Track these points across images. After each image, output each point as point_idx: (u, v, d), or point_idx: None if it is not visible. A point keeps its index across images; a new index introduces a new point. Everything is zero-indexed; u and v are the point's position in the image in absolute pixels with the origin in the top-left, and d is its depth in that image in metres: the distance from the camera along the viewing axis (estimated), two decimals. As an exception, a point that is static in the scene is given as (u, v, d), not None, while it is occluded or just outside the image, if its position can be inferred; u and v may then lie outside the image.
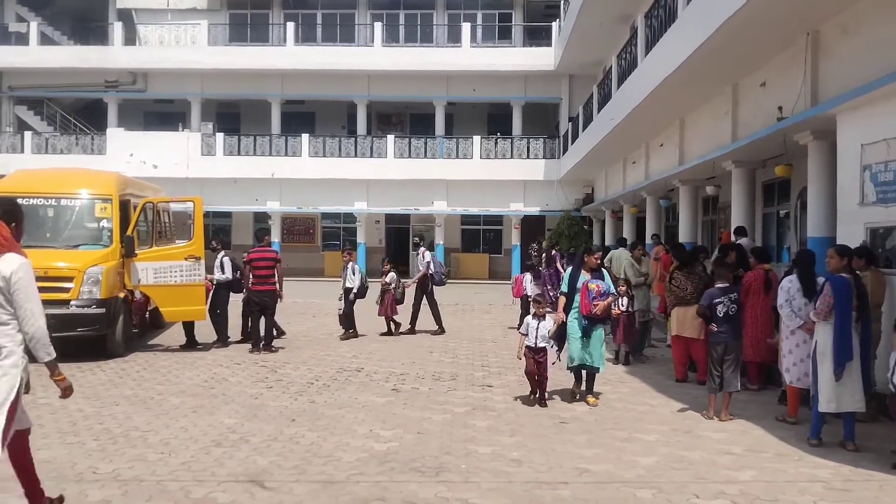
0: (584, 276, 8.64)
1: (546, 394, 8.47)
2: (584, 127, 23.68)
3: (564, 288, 8.75)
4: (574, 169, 27.21)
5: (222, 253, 12.76)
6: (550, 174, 30.88)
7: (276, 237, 29.99)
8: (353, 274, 13.59)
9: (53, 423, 7.36)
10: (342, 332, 13.61)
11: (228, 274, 12.55)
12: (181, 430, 7.12)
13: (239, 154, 31.53)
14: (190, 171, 30.55)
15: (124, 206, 12.37)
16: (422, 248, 14.80)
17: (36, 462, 5.97)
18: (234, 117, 35.30)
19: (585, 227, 30.32)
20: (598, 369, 8.64)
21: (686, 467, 6.15)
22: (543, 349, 8.38)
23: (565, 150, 29.22)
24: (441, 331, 14.35)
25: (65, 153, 31.01)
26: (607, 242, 24.82)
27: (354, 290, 13.53)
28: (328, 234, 35.07)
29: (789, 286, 7.59)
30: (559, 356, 8.92)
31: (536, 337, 8.35)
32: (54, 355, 4.87)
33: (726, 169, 13.79)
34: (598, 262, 8.82)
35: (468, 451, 6.53)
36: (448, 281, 16.36)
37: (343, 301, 13.63)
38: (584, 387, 8.73)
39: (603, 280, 8.63)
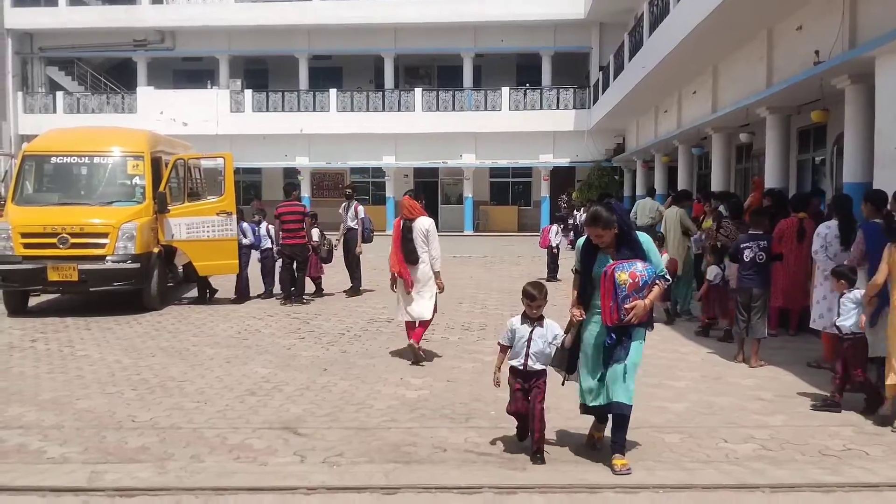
0: (606, 256, 4.95)
1: (542, 445, 5.08)
2: (615, 76, 23.28)
3: (576, 264, 5.21)
4: (604, 119, 26.83)
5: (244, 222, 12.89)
6: (580, 125, 30.51)
7: (305, 192, 30.17)
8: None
9: (92, 374, 7.57)
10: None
11: (251, 238, 12.78)
12: (216, 380, 7.28)
13: (267, 110, 31.59)
14: (219, 129, 30.69)
15: (156, 163, 12.48)
16: (354, 202, 13.54)
17: (76, 411, 6.21)
18: (262, 74, 35.27)
19: (616, 177, 30.00)
20: (628, 408, 4.93)
21: (715, 412, 6.15)
22: (539, 374, 5.15)
23: (595, 99, 28.80)
24: (356, 292, 13.30)
25: (96, 112, 31.32)
26: (638, 193, 24.56)
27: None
28: (358, 188, 35.13)
29: (826, 232, 7.48)
30: (565, 379, 5.36)
31: (527, 355, 5.11)
32: (439, 269, 8.09)
33: (760, 116, 13.52)
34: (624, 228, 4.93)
35: (497, 398, 6.58)
36: (477, 233, 15.53)
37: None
38: (608, 434, 5.16)
39: (642, 259, 4.89)
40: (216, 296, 12.69)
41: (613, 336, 4.91)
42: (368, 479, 4.63)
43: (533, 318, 5.15)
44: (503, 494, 4.40)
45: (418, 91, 31.83)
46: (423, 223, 8.01)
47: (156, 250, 11.85)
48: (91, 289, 11.24)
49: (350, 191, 14.34)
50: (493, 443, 5.40)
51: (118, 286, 11.22)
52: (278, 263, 12.71)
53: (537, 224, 30.76)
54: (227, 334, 9.69)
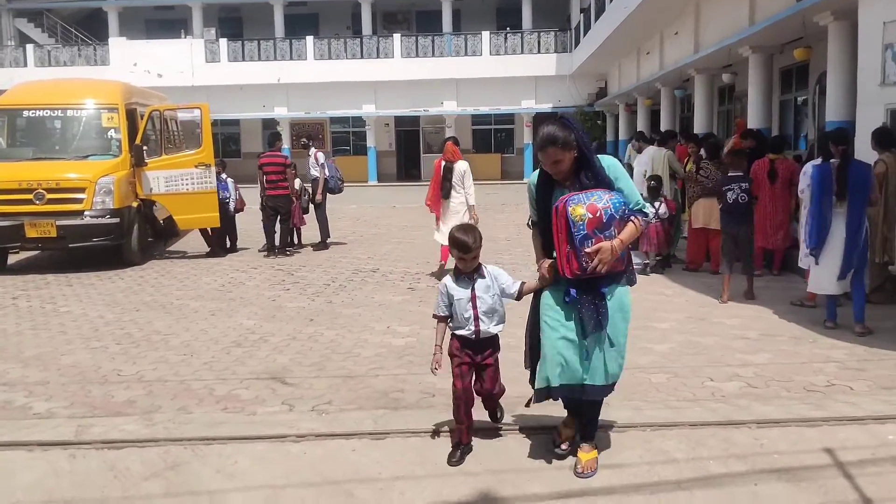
0: (564, 191, 3.80)
1: (495, 419, 4.51)
2: (597, 18, 22.98)
3: (532, 214, 4.10)
4: (587, 62, 26.57)
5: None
6: (562, 69, 30.23)
7: (285, 143, 29.80)
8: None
9: (76, 329, 7.50)
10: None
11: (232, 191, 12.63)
12: (201, 333, 7.23)
13: (243, 60, 31.02)
14: (195, 80, 30.13)
15: (131, 115, 12.24)
16: (313, 150, 12.91)
17: (60, 367, 6.16)
18: (236, 22, 34.56)
19: (599, 122, 29.87)
20: (604, 391, 3.95)
21: (700, 352, 6.20)
22: (494, 342, 4.21)
23: (577, 43, 28.48)
24: (322, 245, 12.79)
25: (68, 65, 30.63)
26: (622, 137, 24.47)
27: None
28: (338, 139, 34.79)
29: (811, 172, 7.47)
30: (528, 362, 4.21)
31: (476, 318, 4.10)
32: (474, 203, 9.37)
33: (743, 55, 13.41)
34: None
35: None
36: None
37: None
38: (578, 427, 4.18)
39: (605, 188, 3.72)
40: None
41: (573, 293, 3.76)
42: (358, 426, 4.63)
43: (469, 272, 4.15)
44: (490, 439, 4.42)
45: (397, 37, 31.33)
46: (461, 166, 9.44)
47: (134, 204, 11.68)
48: (70, 245, 11.10)
49: (305, 140, 13.98)
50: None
51: (97, 241, 11.07)
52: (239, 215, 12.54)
53: (521, 172, 30.69)
54: (210, 287, 9.62)
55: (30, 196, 10.79)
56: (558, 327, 3.83)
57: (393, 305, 8.25)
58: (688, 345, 6.43)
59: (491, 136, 34.44)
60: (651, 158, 11.22)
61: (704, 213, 9.57)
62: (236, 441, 4.47)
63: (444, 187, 9.40)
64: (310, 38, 31.08)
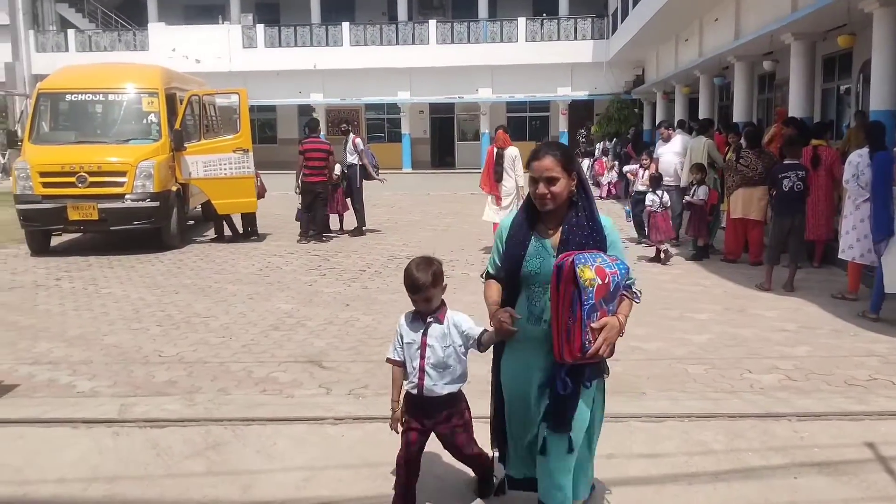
0: (544, 242, 3.04)
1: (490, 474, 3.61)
2: (635, 4, 22.66)
3: (494, 261, 3.26)
4: (624, 49, 26.24)
5: None
6: (599, 56, 29.90)
7: (321, 129, 29.93)
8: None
9: (117, 310, 7.64)
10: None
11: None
12: (240, 316, 7.33)
13: (280, 45, 31.16)
14: (232, 65, 30.37)
15: (171, 100, 12.37)
16: (352, 135, 13.05)
17: (103, 347, 6.29)
18: (273, 8, 34.70)
19: (636, 110, 29.53)
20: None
21: (739, 344, 6.14)
22: (448, 403, 3.38)
23: (614, 29, 28.13)
24: (359, 232, 12.87)
25: (108, 50, 31.02)
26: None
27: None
28: (373, 125, 34.83)
29: (858, 161, 7.31)
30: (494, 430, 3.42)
31: (421, 370, 3.33)
32: (523, 184, 9.03)
33: (785, 43, 13.15)
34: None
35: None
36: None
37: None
38: None
39: (599, 248, 2.98)
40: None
41: (569, 383, 2.89)
42: (394, 411, 4.67)
43: (426, 313, 3.37)
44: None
45: (432, 23, 31.22)
46: (512, 151, 10.32)
47: (174, 189, 11.84)
48: (111, 227, 11.30)
49: (346, 126, 13.98)
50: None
51: (138, 225, 11.26)
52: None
53: (554, 159, 30.47)
54: (248, 271, 9.74)
55: (72, 179, 10.99)
56: (518, 416, 3.15)
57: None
58: (726, 336, 6.37)
59: (526, 123, 34.24)
60: (690, 148, 11.08)
61: (744, 203, 9.44)
62: (275, 422, 4.53)
63: (496, 172, 10.20)
64: (346, 24, 31.13)
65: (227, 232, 12.63)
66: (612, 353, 2.91)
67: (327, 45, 31.04)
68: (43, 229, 11.41)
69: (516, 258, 3.04)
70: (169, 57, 28.34)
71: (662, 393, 4.91)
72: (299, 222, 12.45)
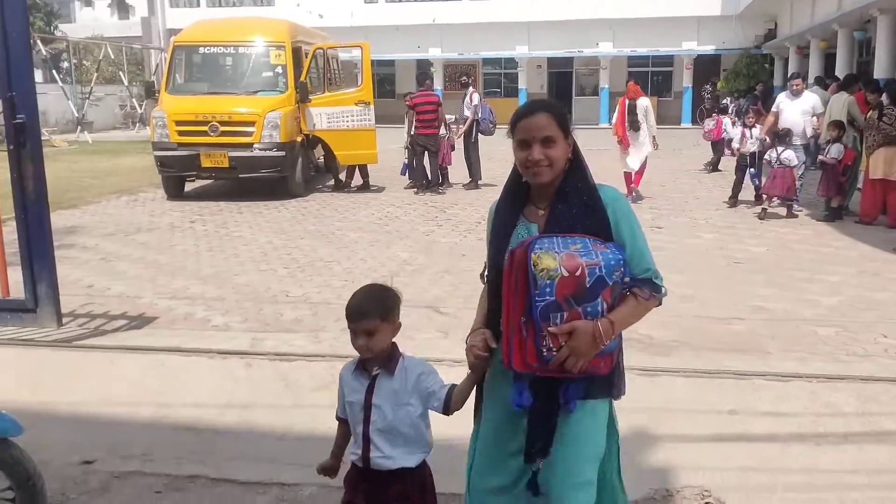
0: (530, 226, 2.36)
1: None
2: (770, -48, 21.40)
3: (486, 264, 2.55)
4: (755, 2, 24.90)
5: None
6: (728, 9, 28.42)
7: (438, 84, 29.99)
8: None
9: (247, 252, 8.03)
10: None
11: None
12: (361, 262, 7.56)
13: (400, 0, 31.29)
14: (354, 20, 30.74)
15: (296, 53, 12.70)
16: (470, 89, 12.89)
17: (234, 286, 6.63)
18: (394, -39, 34.78)
19: (766, 65, 28.04)
20: None
21: (873, 307, 5.85)
22: (400, 477, 2.43)
23: (746, -20, 26.68)
24: (474, 185, 12.92)
25: (236, 5, 32.06)
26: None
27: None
28: (489, 80, 34.58)
29: None
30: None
31: (366, 437, 2.43)
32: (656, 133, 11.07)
33: (940, -9, 12.14)
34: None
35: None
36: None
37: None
38: None
39: (597, 235, 2.22)
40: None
41: (526, 396, 2.24)
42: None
43: (374, 361, 2.48)
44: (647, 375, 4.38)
45: (554, -26, 30.49)
46: (643, 102, 11.05)
47: (299, 139, 12.21)
48: (240, 175, 11.81)
49: (465, 78, 13.82)
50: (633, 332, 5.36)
51: (265, 173, 11.71)
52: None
53: (678, 116, 29.47)
54: (368, 220, 9.99)
55: (205, 128, 11.51)
56: (491, 448, 2.41)
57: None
58: (859, 299, 6.08)
59: (648, 78, 33.10)
60: (829, 103, 10.44)
61: (885, 163, 8.90)
62: (396, 362, 4.67)
63: (629, 121, 10.88)
64: (466, -22, 30.93)
65: (358, 181, 12.95)
66: (597, 369, 2.17)
67: (446, -1, 30.97)
68: (178, 175, 12.04)
69: (501, 249, 2.33)
70: (293, 12, 28.96)
71: (789, 353, 4.76)
72: (405, 175, 12.61)
